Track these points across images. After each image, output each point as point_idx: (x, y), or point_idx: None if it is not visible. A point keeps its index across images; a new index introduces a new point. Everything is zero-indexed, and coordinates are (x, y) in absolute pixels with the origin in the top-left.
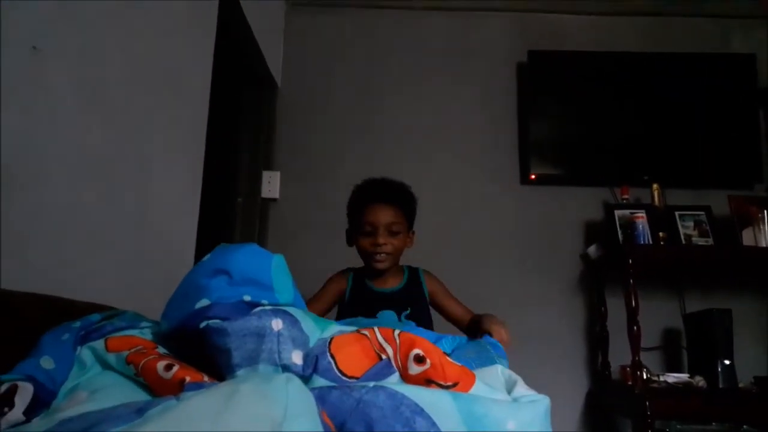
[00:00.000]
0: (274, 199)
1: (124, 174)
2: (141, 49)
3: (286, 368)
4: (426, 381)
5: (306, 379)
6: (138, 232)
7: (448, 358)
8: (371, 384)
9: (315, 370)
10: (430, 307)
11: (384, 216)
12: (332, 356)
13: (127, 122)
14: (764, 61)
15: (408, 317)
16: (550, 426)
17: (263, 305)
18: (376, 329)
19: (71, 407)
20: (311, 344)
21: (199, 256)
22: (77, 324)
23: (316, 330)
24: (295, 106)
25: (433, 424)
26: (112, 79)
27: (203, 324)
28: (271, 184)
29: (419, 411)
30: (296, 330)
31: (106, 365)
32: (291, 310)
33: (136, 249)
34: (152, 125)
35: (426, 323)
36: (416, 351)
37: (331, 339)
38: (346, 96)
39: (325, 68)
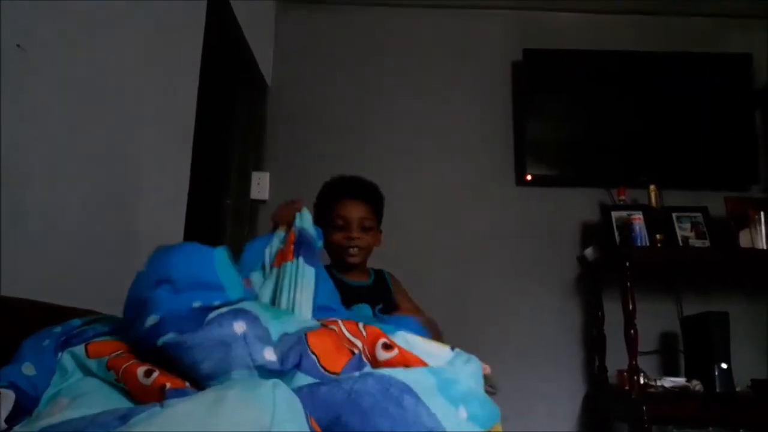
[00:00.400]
0: (264, 201)
1: (110, 175)
2: (128, 49)
3: (261, 368)
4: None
5: (285, 374)
6: (124, 234)
7: (408, 351)
8: (357, 374)
9: (299, 368)
10: None
11: (357, 211)
12: (314, 354)
13: (114, 123)
14: (761, 61)
15: (380, 311)
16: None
17: (216, 307)
18: (340, 323)
19: (53, 414)
20: (273, 337)
21: None
22: (58, 329)
23: (272, 321)
24: (286, 106)
25: (418, 399)
26: (98, 79)
27: (160, 342)
28: (260, 186)
29: (407, 389)
30: (258, 328)
31: (87, 371)
32: (246, 305)
33: (122, 251)
34: (139, 126)
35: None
36: (383, 340)
37: (306, 335)
38: (337, 96)
39: (316, 68)
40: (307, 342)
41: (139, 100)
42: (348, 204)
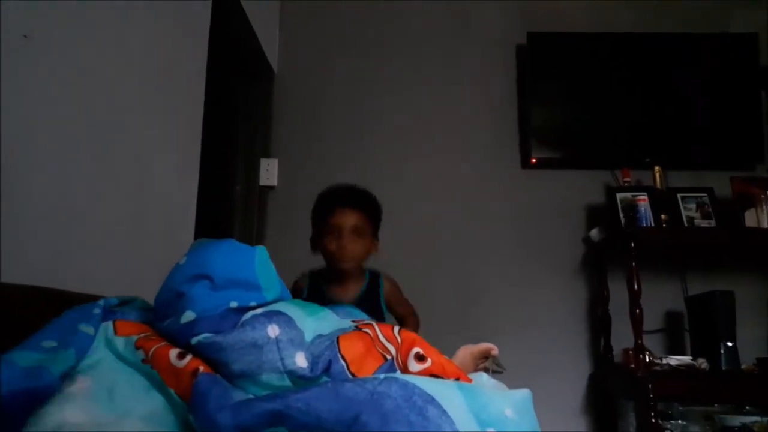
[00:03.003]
0: (272, 187)
1: (119, 164)
2: (136, 38)
3: (291, 373)
4: (430, 376)
5: (315, 380)
6: (135, 223)
7: (444, 357)
8: (382, 376)
9: (327, 373)
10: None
11: (349, 219)
12: (344, 359)
13: (122, 111)
14: (766, 40)
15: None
16: (533, 410)
17: (252, 308)
18: (375, 326)
19: (69, 396)
20: (307, 339)
21: None
22: (101, 302)
23: (308, 321)
24: (293, 92)
25: (444, 412)
26: (106, 68)
27: (194, 341)
28: (269, 172)
29: (430, 400)
30: (293, 330)
31: (113, 348)
32: (282, 307)
33: (133, 240)
34: (148, 114)
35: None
36: (416, 349)
37: (338, 339)
38: (343, 82)
39: (322, 54)
40: (338, 346)
41: (147, 90)
42: (340, 212)
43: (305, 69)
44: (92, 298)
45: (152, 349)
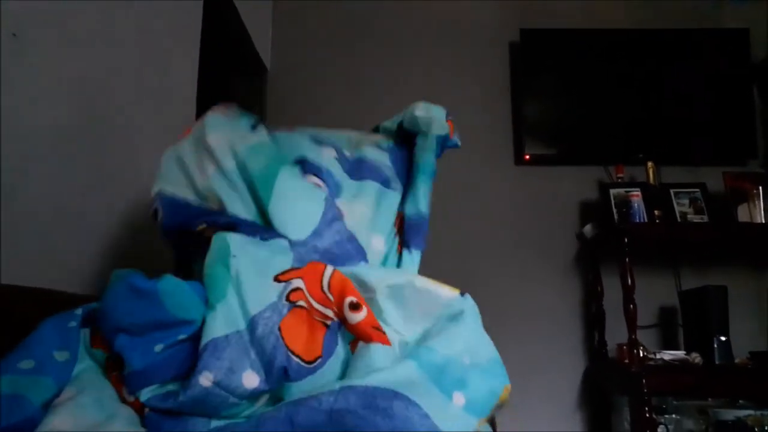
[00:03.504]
0: None
1: (112, 163)
2: (126, 33)
3: (248, 398)
4: (373, 328)
5: (272, 393)
6: (128, 223)
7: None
8: (337, 386)
9: (287, 377)
10: None
11: None
12: (293, 353)
13: (115, 109)
14: (757, 35)
15: None
16: (485, 334)
17: (181, 342)
18: (304, 289)
19: (55, 407)
20: (242, 327)
21: None
22: (79, 311)
23: (232, 307)
24: (286, 90)
25: (409, 401)
26: (96, 64)
27: (143, 399)
28: None
29: (393, 395)
30: (224, 352)
31: (93, 357)
32: (208, 331)
33: (125, 242)
34: (140, 112)
35: None
36: (349, 299)
37: (280, 328)
38: (336, 79)
39: (315, 52)
40: (284, 341)
41: (137, 86)
42: None
43: (298, 66)
44: (86, 300)
45: (112, 375)
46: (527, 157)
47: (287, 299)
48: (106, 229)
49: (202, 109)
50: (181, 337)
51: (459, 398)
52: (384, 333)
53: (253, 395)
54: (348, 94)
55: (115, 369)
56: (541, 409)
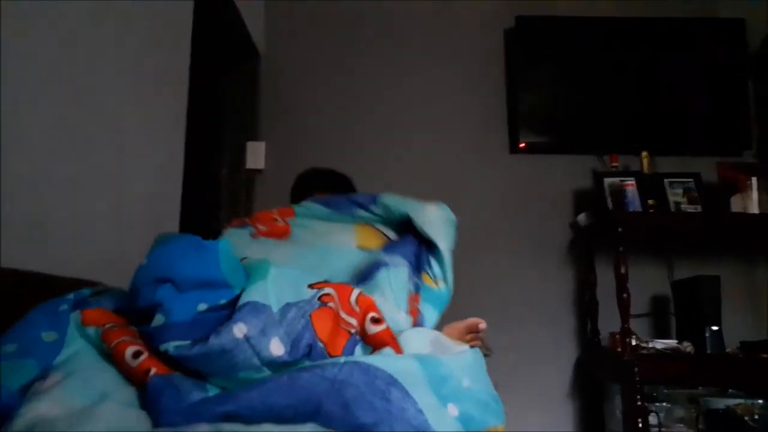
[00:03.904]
0: (260, 170)
1: (102, 148)
2: (117, 17)
3: (270, 364)
4: (390, 337)
5: (295, 364)
6: (118, 208)
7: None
8: (342, 360)
9: (309, 357)
10: None
11: None
12: (321, 341)
13: (104, 94)
14: (753, 26)
15: None
16: (485, 370)
17: (222, 306)
18: (335, 296)
19: (39, 393)
20: (275, 309)
21: (183, 230)
22: (71, 296)
23: (269, 288)
24: (279, 75)
25: (406, 393)
26: (86, 48)
27: (162, 348)
28: (256, 155)
29: (393, 381)
30: (261, 315)
31: (87, 337)
32: (246, 294)
33: (117, 225)
34: (131, 98)
35: None
36: (372, 314)
37: (311, 317)
38: (330, 65)
39: (308, 37)
40: (313, 327)
41: (130, 73)
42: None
43: (291, 51)
44: (80, 283)
45: (112, 344)
46: (522, 145)
47: (319, 299)
48: (96, 214)
49: (194, 95)
50: (222, 301)
51: (453, 409)
52: (399, 345)
53: (274, 364)
54: (342, 80)
55: (122, 334)
56: (533, 397)
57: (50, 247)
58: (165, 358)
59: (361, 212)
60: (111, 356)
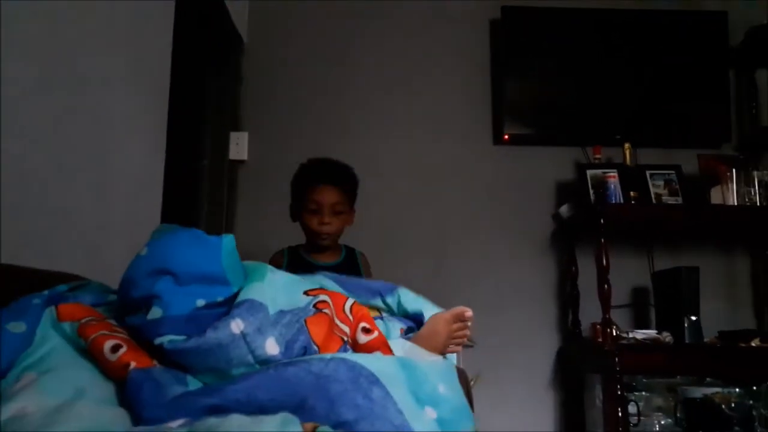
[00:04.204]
0: (243, 161)
1: (82, 137)
2: (99, 4)
3: (264, 363)
4: (382, 344)
5: None
6: (99, 198)
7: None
8: (328, 356)
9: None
10: None
11: (329, 196)
12: (315, 344)
13: (85, 82)
14: (735, 19)
15: None
16: (457, 379)
17: (219, 303)
18: (330, 303)
19: (13, 394)
20: (271, 312)
21: (164, 221)
22: (45, 293)
23: (265, 291)
24: (263, 64)
25: (387, 393)
26: (66, 36)
27: (157, 342)
28: (239, 146)
29: (375, 380)
30: (258, 314)
31: (62, 333)
32: (244, 293)
33: (98, 216)
34: (111, 86)
35: None
36: (363, 324)
37: (306, 322)
38: (314, 54)
39: (292, 25)
40: (308, 331)
41: (110, 60)
42: (321, 189)
43: (275, 40)
44: (58, 276)
45: (90, 339)
46: (506, 136)
47: (314, 306)
48: (75, 203)
49: (176, 83)
50: (219, 298)
51: (431, 412)
52: (392, 352)
53: (267, 363)
54: (326, 69)
55: (100, 327)
56: (515, 386)
57: (27, 238)
58: (151, 351)
59: (377, 300)
60: (88, 351)
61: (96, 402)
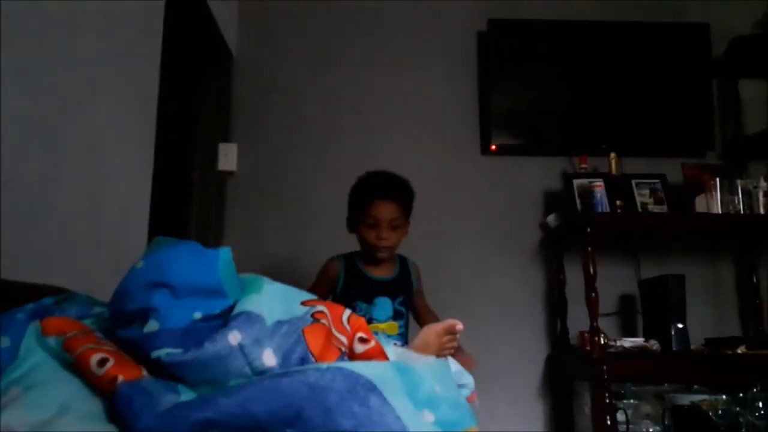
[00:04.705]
0: (232, 172)
1: (70, 149)
2: (88, 16)
3: (260, 374)
4: (379, 353)
5: None
6: (87, 209)
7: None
8: (324, 366)
9: None
10: None
11: (387, 212)
12: (313, 355)
13: (73, 94)
14: (717, 31)
15: (401, 303)
16: (452, 377)
17: (216, 316)
18: (327, 314)
19: None
20: (268, 324)
21: (153, 233)
22: (31, 306)
23: (263, 302)
24: (252, 76)
25: (384, 400)
26: (58, 47)
27: (154, 355)
28: (228, 157)
29: (372, 388)
30: (255, 325)
31: (47, 348)
32: (241, 304)
33: (85, 227)
34: (100, 98)
35: (411, 310)
36: (360, 334)
37: (303, 332)
38: (303, 65)
39: (281, 38)
40: (305, 341)
41: (99, 72)
42: (380, 205)
43: (265, 53)
44: (45, 288)
45: (76, 353)
46: (494, 147)
47: (312, 316)
48: (63, 215)
49: (165, 95)
50: (216, 311)
51: (428, 416)
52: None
53: (264, 374)
54: (315, 81)
55: (87, 341)
56: (504, 395)
57: (15, 247)
58: (142, 363)
59: None
60: (75, 366)
61: (82, 418)
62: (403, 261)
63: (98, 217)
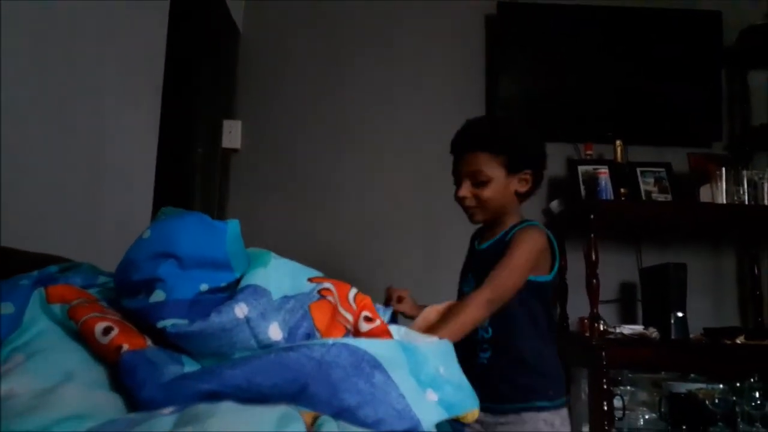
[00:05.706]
0: (236, 150)
1: (76, 123)
2: None
3: (266, 347)
4: (384, 332)
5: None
6: (92, 183)
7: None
8: (330, 341)
9: None
10: None
11: (465, 164)
12: (318, 330)
13: (78, 70)
14: (729, 19)
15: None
16: (456, 359)
17: (222, 288)
18: (333, 290)
19: (1, 375)
20: (275, 297)
21: (156, 208)
22: (35, 274)
23: (270, 276)
24: (258, 53)
25: (389, 377)
26: (61, 22)
27: (160, 324)
28: (232, 134)
29: (377, 365)
30: (262, 299)
31: (52, 316)
32: (248, 278)
33: (90, 200)
34: (105, 73)
35: None
36: (365, 312)
37: (309, 308)
38: (310, 44)
39: (288, 14)
40: (312, 317)
41: (104, 47)
42: (457, 159)
43: (271, 29)
44: (49, 258)
45: (80, 321)
46: None
47: (318, 292)
48: (68, 189)
49: (170, 71)
50: (223, 284)
51: (432, 395)
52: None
53: (270, 348)
54: (321, 59)
55: (91, 309)
56: None
57: (20, 224)
58: (148, 333)
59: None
60: (79, 334)
61: (86, 385)
62: (515, 228)
63: (103, 193)
